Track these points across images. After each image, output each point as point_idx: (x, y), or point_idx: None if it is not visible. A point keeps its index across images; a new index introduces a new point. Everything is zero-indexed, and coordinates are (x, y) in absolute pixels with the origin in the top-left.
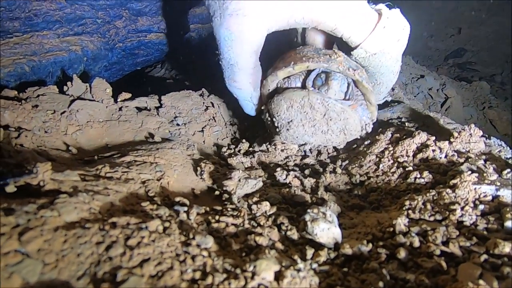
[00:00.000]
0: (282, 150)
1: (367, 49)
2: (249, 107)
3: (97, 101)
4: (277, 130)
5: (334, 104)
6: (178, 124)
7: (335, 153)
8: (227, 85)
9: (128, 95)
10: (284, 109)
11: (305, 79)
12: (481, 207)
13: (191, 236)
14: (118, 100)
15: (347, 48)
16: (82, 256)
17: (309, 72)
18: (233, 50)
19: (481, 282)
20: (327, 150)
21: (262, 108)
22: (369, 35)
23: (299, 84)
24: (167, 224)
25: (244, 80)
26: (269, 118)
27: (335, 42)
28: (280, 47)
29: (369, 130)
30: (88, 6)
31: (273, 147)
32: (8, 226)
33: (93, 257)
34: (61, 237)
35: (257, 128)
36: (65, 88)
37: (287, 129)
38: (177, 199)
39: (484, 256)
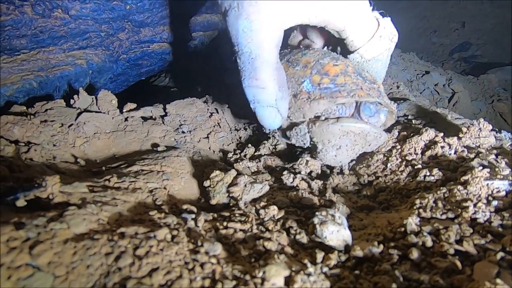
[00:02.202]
0: (306, 164)
1: (363, 55)
2: (273, 115)
3: (104, 113)
4: (318, 152)
5: (385, 136)
6: (183, 132)
7: None
8: (246, 88)
9: (133, 105)
10: (337, 137)
11: (358, 109)
12: (495, 203)
13: (199, 243)
14: (124, 110)
15: (342, 51)
16: (91, 268)
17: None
18: (254, 41)
19: (498, 281)
20: None
21: (300, 126)
22: (367, 42)
23: (349, 113)
24: (175, 232)
25: (269, 76)
26: (306, 139)
27: (329, 44)
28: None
29: None
30: (91, 20)
31: (301, 162)
32: (19, 240)
33: (102, 268)
34: (71, 249)
35: (262, 132)
36: (71, 101)
37: (335, 155)
38: (185, 206)
39: (501, 254)
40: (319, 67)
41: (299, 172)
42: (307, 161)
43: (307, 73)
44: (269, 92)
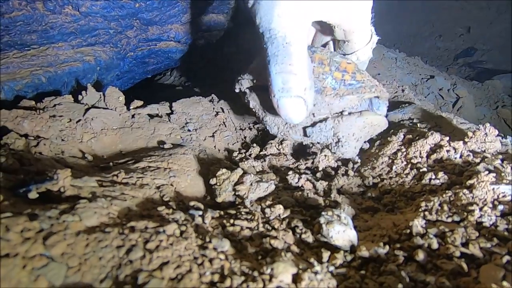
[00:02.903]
0: (325, 158)
1: (359, 57)
2: (300, 106)
3: (111, 109)
4: (340, 146)
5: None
6: (189, 130)
7: None
8: (276, 75)
9: (140, 103)
10: (360, 129)
11: (371, 102)
12: (501, 207)
13: (207, 239)
14: (131, 107)
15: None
16: (103, 260)
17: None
18: (289, 26)
19: (504, 283)
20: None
21: (327, 122)
22: (364, 46)
23: (365, 107)
24: (183, 228)
25: (302, 62)
26: (328, 134)
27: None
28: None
29: None
30: (101, 17)
31: (320, 157)
32: (33, 231)
33: (114, 261)
34: (83, 241)
35: (267, 132)
36: (79, 97)
37: (355, 147)
38: (192, 203)
39: (507, 257)
40: (337, 65)
41: (316, 167)
42: (326, 155)
43: (327, 70)
44: (300, 79)
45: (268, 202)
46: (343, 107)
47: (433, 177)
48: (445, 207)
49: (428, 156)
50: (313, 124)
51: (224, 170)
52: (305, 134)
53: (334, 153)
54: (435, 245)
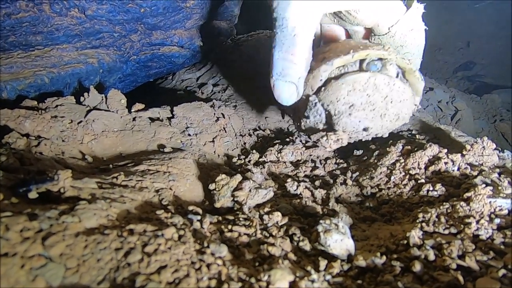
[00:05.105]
0: (335, 141)
1: (397, 31)
2: (292, 90)
3: (112, 112)
4: (335, 118)
5: (399, 84)
6: (189, 135)
7: (345, 164)
8: (278, 60)
9: (142, 106)
10: (345, 93)
11: (361, 66)
12: (497, 221)
13: (205, 244)
14: (132, 110)
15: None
16: (102, 262)
17: (361, 61)
18: (300, 16)
19: None
20: (335, 161)
21: (310, 98)
22: (399, 20)
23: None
24: (181, 232)
25: (302, 53)
26: (319, 110)
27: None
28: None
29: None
30: (106, 21)
31: (325, 138)
32: (32, 231)
33: (112, 263)
34: (82, 243)
35: (267, 139)
36: (81, 98)
37: (349, 114)
38: (190, 208)
39: (502, 271)
40: (332, 49)
41: (315, 175)
42: (331, 133)
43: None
44: (298, 69)
45: (266, 209)
46: (319, 78)
47: (431, 188)
48: (442, 219)
49: (426, 168)
50: (305, 105)
51: (223, 176)
52: (306, 117)
53: (336, 130)
54: (431, 257)
